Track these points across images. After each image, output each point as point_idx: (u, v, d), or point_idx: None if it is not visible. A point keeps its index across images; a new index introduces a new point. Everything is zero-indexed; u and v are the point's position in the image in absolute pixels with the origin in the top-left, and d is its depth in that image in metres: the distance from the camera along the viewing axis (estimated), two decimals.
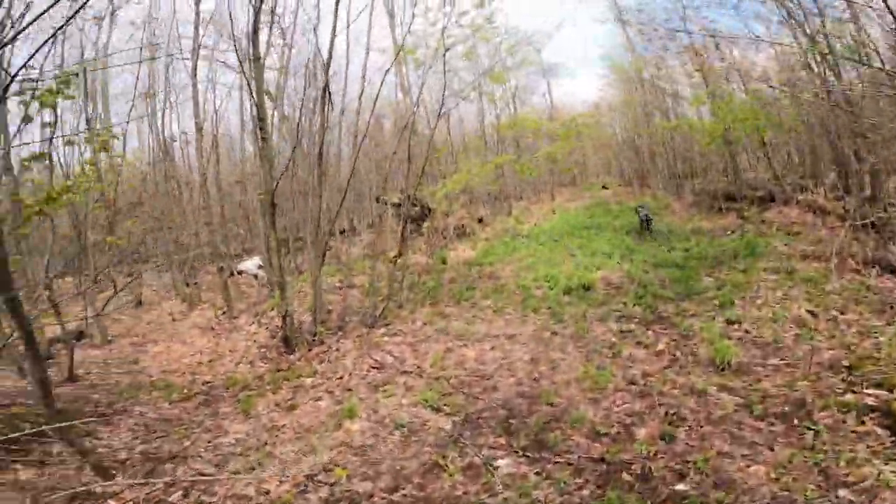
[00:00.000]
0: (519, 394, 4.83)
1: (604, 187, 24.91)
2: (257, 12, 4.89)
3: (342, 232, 19.64)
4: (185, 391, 5.62)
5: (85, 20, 8.61)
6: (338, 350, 6.30)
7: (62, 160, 9.92)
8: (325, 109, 5.80)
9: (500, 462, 3.61)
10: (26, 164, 4.56)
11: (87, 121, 10.31)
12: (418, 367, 5.66)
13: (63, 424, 3.10)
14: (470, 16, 7.55)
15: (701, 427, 3.70)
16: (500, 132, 14.93)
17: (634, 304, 6.76)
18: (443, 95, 7.35)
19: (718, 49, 11.76)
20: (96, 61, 8.74)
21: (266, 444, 4.11)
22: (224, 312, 8.63)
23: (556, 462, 3.54)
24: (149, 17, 10.33)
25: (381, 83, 6.83)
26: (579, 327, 6.24)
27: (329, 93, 7.57)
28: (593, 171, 32.47)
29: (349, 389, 5.18)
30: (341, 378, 5.48)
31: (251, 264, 11.42)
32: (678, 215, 13.48)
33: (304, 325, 7.22)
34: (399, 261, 8.16)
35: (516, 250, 11.04)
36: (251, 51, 5.23)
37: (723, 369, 4.59)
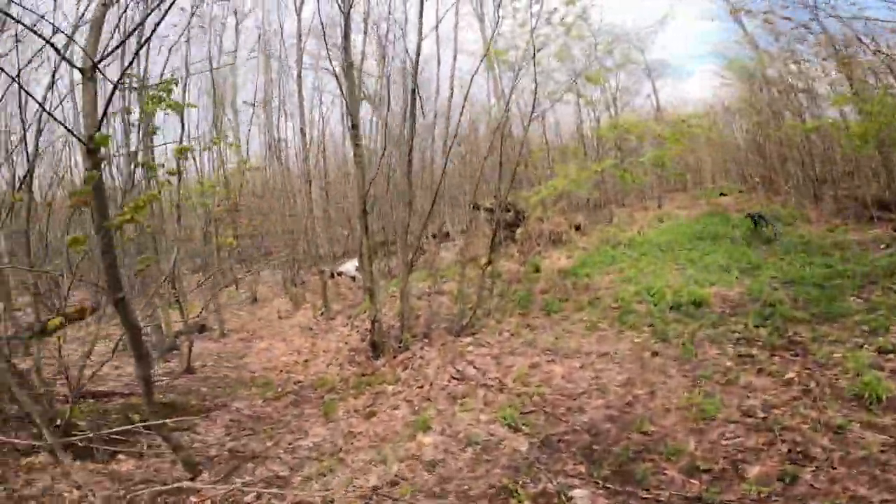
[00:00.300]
0: (607, 418, 4.39)
1: (721, 194, 22.56)
2: (346, 17, 5.05)
3: (434, 236, 20.01)
4: (279, 390, 5.94)
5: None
6: (422, 358, 6.28)
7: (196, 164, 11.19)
8: (414, 113, 5.83)
9: (576, 492, 3.26)
10: (151, 169, 5.13)
11: (215, 126, 11.61)
12: (500, 381, 5.42)
13: (159, 422, 3.33)
14: (560, 13, 7.17)
15: (833, 468, 3.05)
16: (600, 135, 14.13)
17: (757, 326, 5.87)
18: (534, 98, 7.05)
19: (865, 41, 9.94)
20: (217, 69, 9.73)
21: (340, 449, 4.15)
22: (322, 313, 9.09)
23: (643, 498, 3.12)
24: (262, 27, 11.32)
25: (469, 87, 6.73)
26: (686, 349, 5.57)
27: (420, 97, 7.65)
28: (708, 176, 29.62)
29: (428, 399, 5.10)
30: (421, 387, 5.42)
31: (350, 266, 11.97)
32: (816, 225, 11.65)
33: (391, 331, 7.33)
34: (489, 268, 7.98)
35: (616, 260, 10.30)
36: (343, 57, 5.42)
37: (870, 405, 3.75)
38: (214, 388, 6.18)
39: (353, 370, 6.28)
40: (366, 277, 6.28)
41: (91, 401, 5.23)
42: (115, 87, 2.39)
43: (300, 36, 8.63)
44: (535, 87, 7.10)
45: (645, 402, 4.60)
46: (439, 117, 9.77)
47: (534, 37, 6.69)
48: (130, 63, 3.53)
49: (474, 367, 5.93)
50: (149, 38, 2.54)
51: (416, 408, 4.93)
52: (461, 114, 7.16)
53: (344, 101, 10.93)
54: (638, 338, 6.19)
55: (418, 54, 5.85)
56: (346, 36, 5.34)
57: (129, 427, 3.21)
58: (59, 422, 3.96)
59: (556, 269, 10.74)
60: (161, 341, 8.37)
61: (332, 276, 11.88)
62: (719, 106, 22.38)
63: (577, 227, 14.41)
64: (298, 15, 7.80)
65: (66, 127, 2.73)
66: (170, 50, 7.20)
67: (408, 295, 6.72)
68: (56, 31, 4.21)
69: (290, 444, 4.37)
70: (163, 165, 5.12)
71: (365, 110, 12.66)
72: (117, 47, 2.40)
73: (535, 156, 13.13)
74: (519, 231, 15.09)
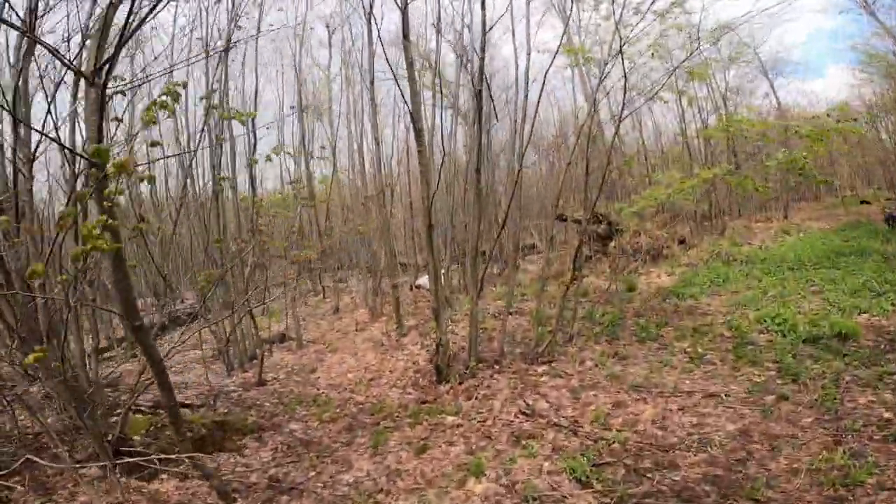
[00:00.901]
0: (708, 478, 3.54)
1: (863, 202, 19.16)
2: (404, 13, 4.73)
3: (521, 248, 19.19)
4: (338, 411, 5.72)
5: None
6: (488, 387, 5.71)
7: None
8: (480, 117, 5.36)
9: None
10: (221, 180, 5.17)
11: (303, 138, 12.10)
12: (575, 421, 4.69)
13: (189, 455, 3.15)
14: (648, 2, 6.29)
15: None
16: (707, 136, 12.51)
17: None
18: (624, 95, 6.22)
19: None
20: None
21: (381, 490, 3.74)
22: (396, 329, 8.87)
23: None
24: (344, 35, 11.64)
25: (542, 85, 6.09)
26: (826, 393, 4.47)
27: (492, 99, 7.15)
28: (846, 182, 25.50)
29: (488, 437, 4.52)
30: (483, 421, 4.86)
31: (428, 279, 11.73)
32: None
33: (461, 353, 6.84)
34: (574, 285, 7.20)
35: (729, 280, 8.90)
36: (403, 55, 5.12)
37: None
38: (277, 405, 6.13)
39: (415, 395, 5.88)
40: (432, 297, 5.87)
41: (149, 413, 5.36)
42: (102, 93, 2.21)
43: (370, 41, 8.59)
44: (625, 83, 6.27)
45: (763, 459, 3.69)
46: (523, 123, 9.19)
47: (620, 28, 5.91)
48: (106, 63, 3.45)
49: (547, 401, 5.24)
50: (129, 37, 2.33)
51: (473, 446, 4.38)
52: (535, 115, 6.53)
53: (435, 112, 10.92)
54: (759, 376, 5.13)
55: (483, 50, 5.37)
56: (406, 35, 5.04)
57: (165, 457, 3.05)
58: (110, 436, 3.99)
59: (654, 288, 9.58)
60: (243, 351, 8.69)
61: (411, 288, 11.72)
62: (858, 104, 19.47)
63: (681, 241, 12.89)
64: (368, 21, 7.73)
65: (64, 146, 2.66)
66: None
67: (476, 317, 6.18)
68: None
69: (331, 476, 4.06)
70: (225, 179, 5.18)
71: (446, 118, 12.47)
72: (115, 53, 2.22)
73: (630, 162, 11.97)
74: (612, 245, 13.94)
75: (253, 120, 7.39)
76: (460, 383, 5.86)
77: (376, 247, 13.09)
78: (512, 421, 4.81)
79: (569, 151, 13.19)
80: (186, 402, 6.06)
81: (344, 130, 16.82)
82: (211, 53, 6.90)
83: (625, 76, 6.21)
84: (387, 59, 6.15)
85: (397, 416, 5.28)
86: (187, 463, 3.44)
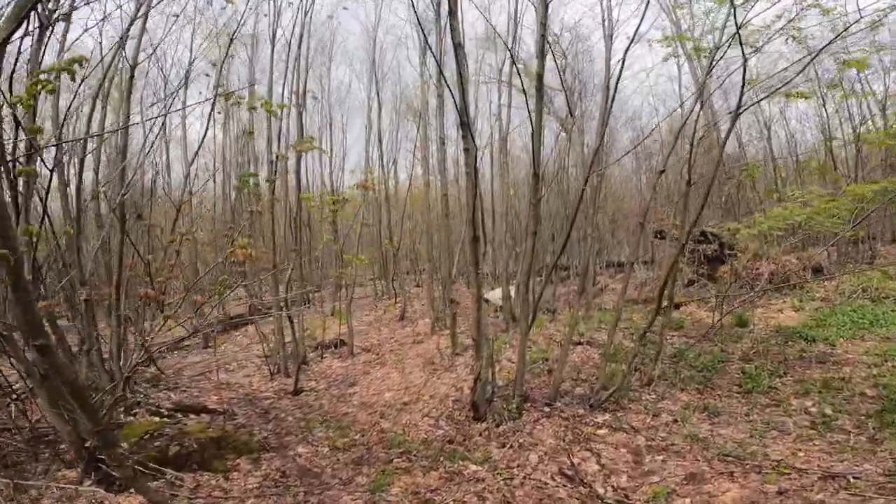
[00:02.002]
0: None
1: None
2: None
3: (615, 265, 17.50)
4: (356, 437, 5.20)
5: None
6: (530, 434, 4.83)
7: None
8: (540, 115, 4.53)
9: None
10: (245, 179, 4.91)
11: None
12: (626, 497, 3.68)
13: (139, 470, 2.76)
14: None
15: None
16: (866, 141, 10.20)
17: None
18: (742, 88, 4.98)
19: None
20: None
21: None
22: (451, 346, 8.22)
23: None
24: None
25: (621, 67, 5.03)
26: None
27: (567, 93, 6.24)
28: None
29: (509, 503, 3.68)
30: (510, 479, 4.02)
31: (496, 294, 10.89)
32: None
33: (512, 386, 6.01)
34: (661, 315, 6.03)
35: (879, 323, 7.06)
36: (451, 35, 4.46)
37: None
38: (300, 420, 5.76)
39: (445, 430, 5.16)
40: (473, 324, 5.13)
41: (166, 417, 5.21)
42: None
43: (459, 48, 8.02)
44: (744, 72, 5.00)
45: None
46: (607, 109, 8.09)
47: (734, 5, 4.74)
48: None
49: (598, 463, 4.26)
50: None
51: None
52: (608, 111, 5.49)
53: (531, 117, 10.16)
54: None
55: (544, 26, 4.53)
56: (452, 12, 4.38)
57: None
58: (88, 443, 3.79)
59: (773, 325, 7.94)
60: (294, 354, 8.57)
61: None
62: None
63: (816, 270, 10.76)
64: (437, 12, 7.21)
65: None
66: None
67: (524, 351, 5.32)
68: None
69: None
70: (251, 176, 4.90)
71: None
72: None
73: (753, 171, 10.20)
74: (721, 269, 12.10)
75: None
76: (498, 424, 5.04)
77: (439, 254, 12.60)
78: (546, 484, 3.92)
79: (664, 157, 11.69)
80: (209, 406, 5.93)
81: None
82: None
83: (744, 58, 4.94)
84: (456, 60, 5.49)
85: (415, 456, 4.61)
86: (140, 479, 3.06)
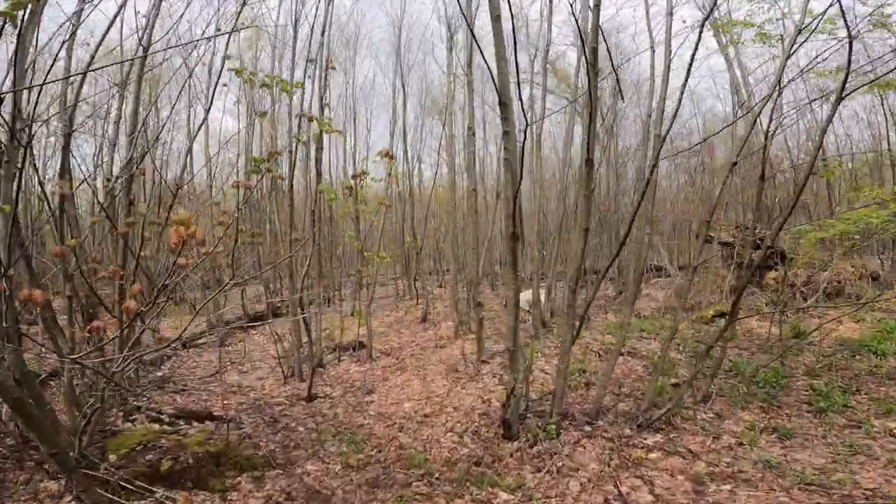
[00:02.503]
0: None
1: None
2: None
3: (650, 270, 16.65)
4: (372, 453, 4.69)
5: None
6: (569, 457, 4.24)
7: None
8: (594, 93, 3.92)
9: None
10: (257, 163, 4.45)
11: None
12: None
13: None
14: None
15: None
16: None
17: None
18: (846, 75, 4.27)
19: None
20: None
21: None
22: (477, 353, 7.66)
23: None
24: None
25: (668, 60, 4.38)
26: None
27: (618, 85, 5.66)
28: None
29: None
30: None
31: (528, 296, 10.27)
32: None
33: (544, 402, 5.43)
34: (716, 324, 5.38)
35: None
36: (489, 5, 3.90)
37: None
38: (311, 431, 5.29)
39: (471, 449, 4.61)
40: (508, 333, 4.56)
41: (166, 424, 4.80)
42: None
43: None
44: (849, 50, 4.29)
45: None
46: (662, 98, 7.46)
47: None
48: None
49: (651, 493, 3.66)
50: None
51: None
52: (662, 98, 4.87)
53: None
54: None
55: (598, 19, 3.95)
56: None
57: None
58: (72, 452, 3.38)
59: (834, 337, 7.19)
60: (310, 356, 8.13)
61: (506, 304, 10.41)
62: None
63: (875, 278, 9.90)
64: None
65: None
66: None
67: (567, 365, 4.72)
68: None
69: None
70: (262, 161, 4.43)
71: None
72: None
73: (832, 169, 9.37)
74: (770, 276, 11.28)
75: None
76: (532, 445, 4.47)
77: (465, 253, 12.05)
78: None
79: (735, 147, 10.93)
80: (215, 412, 5.51)
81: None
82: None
83: (849, 36, 4.22)
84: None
85: (437, 479, 4.08)
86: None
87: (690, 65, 4.55)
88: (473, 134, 7.83)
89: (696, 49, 4.37)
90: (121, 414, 4.90)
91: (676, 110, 5.20)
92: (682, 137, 16.88)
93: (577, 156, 12.97)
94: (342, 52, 17.82)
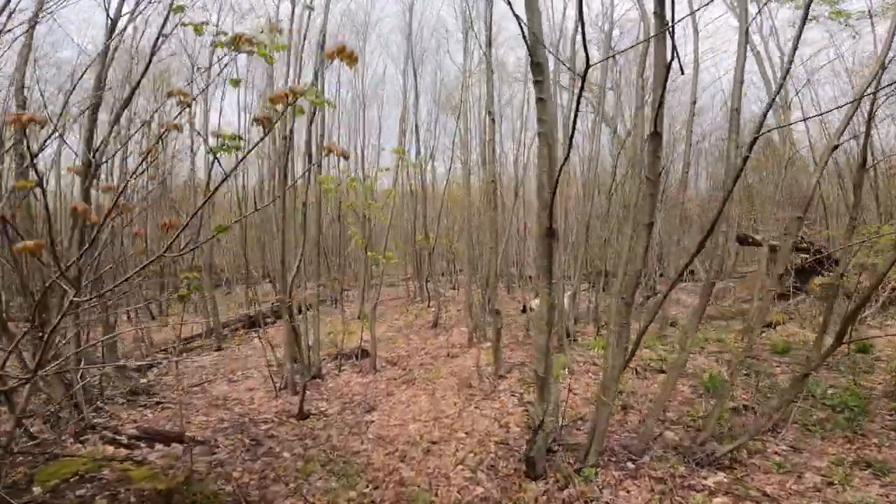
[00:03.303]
0: None
1: None
2: None
3: (693, 272, 15.64)
4: (366, 490, 3.89)
5: None
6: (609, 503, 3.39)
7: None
8: (667, 51, 3.08)
9: None
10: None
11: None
12: None
13: None
14: None
15: None
16: None
17: None
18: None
19: None
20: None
21: None
22: (493, 365, 6.83)
23: None
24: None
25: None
26: None
27: (676, 56, 4.77)
28: None
29: None
30: None
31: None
32: None
33: (574, 433, 4.59)
34: (763, 336, 4.48)
35: None
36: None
37: None
38: (297, 459, 4.50)
39: (486, 489, 3.79)
40: (537, 355, 3.67)
41: (123, 447, 4.05)
42: None
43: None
44: None
45: None
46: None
47: None
48: None
49: None
50: None
51: None
52: (741, 68, 3.98)
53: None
54: None
55: None
56: None
57: None
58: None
59: None
60: (307, 365, 7.38)
61: (524, 310, 9.56)
62: None
63: None
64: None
65: None
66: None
67: (612, 395, 3.83)
68: None
69: None
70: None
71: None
72: None
73: None
74: (816, 281, 10.28)
75: None
76: (563, 487, 3.63)
77: (479, 253, 11.22)
78: None
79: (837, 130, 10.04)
80: (187, 433, 4.76)
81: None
82: None
83: None
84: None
85: None
86: None
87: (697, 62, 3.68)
88: (493, 120, 7.00)
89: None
90: (70, 434, 4.18)
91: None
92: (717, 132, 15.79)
93: (604, 150, 12.15)
94: (352, 43, 17.14)
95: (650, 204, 3.10)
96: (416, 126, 13.45)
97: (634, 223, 4.73)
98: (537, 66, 3.34)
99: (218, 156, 3.34)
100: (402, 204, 19.09)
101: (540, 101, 3.37)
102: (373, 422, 5.50)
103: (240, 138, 3.49)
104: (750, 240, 11.14)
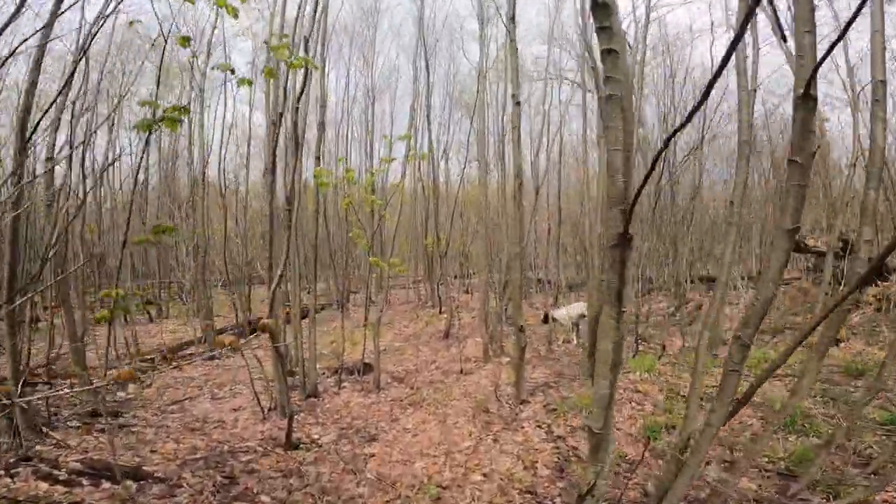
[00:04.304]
0: None
1: None
2: None
3: (701, 280, 14.64)
4: None
5: None
6: None
7: None
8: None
9: None
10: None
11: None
12: None
13: None
14: None
15: None
16: None
17: None
18: None
19: None
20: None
21: None
22: (514, 387, 5.98)
23: None
24: None
25: None
26: None
27: None
28: None
29: None
30: None
31: (575, 310, 8.54)
32: None
33: (617, 483, 3.74)
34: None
35: None
36: None
37: None
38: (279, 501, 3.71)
39: None
40: (598, 407, 2.49)
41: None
42: None
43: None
44: None
45: None
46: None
47: None
48: None
49: None
50: None
51: None
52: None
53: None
54: None
55: None
56: None
57: None
58: None
59: None
60: (303, 386, 6.60)
61: (545, 320, 8.69)
62: None
63: None
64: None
65: None
66: None
67: (701, 451, 2.82)
68: None
69: None
70: None
71: None
72: None
73: None
74: (871, 293, 9.37)
75: None
76: None
77: (497, 257, 10.37)
78: None
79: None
80: (143, 467, 3.98)
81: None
82: None
83: None
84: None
85: None
86: None
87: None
88: (518, 104, 6.15)
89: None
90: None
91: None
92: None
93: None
94: (362, 33, 16.48)
95: (797, 199, 2.10)
96: (429, 118, 12.65)
97: (762, 227, 3.87)
98: (603, 7, 2.46)
99: (155, 129, 2.56)
100: (413, 202, 18.30)
101: (608, 53, 2.46)
102: (373, 455, 4.69)
103: (185, 109, 2.72)
104: (805, 246, 10.19)
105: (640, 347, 7.65)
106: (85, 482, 3.58)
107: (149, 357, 9.08)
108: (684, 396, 5.08)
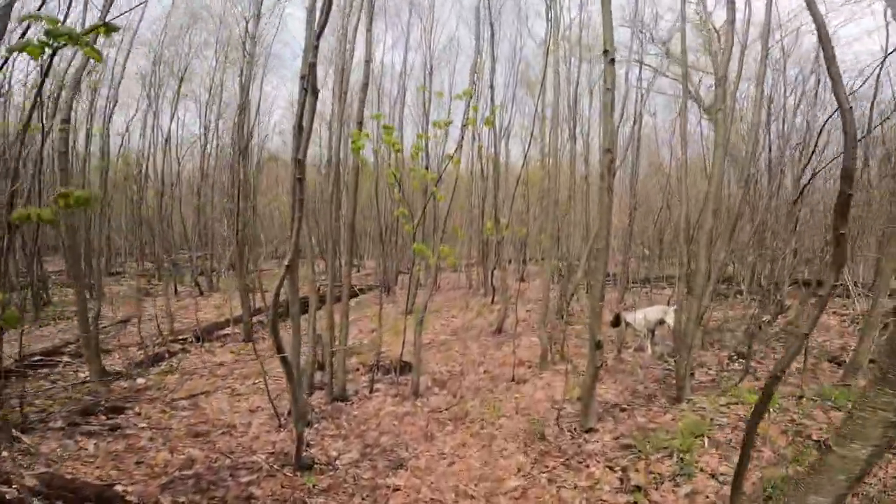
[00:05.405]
0: None
1: None
2: None
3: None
4: None
5: None
6: None
7: None
8: None
9: None
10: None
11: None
12: None
13: None
14: None
15: None
16: None
17: None
18: None
19: None
20: None
21: None
22: (580, 405, 4.94)
23: None
24: None
25: None
26: None
27: None
28: None
29: None
30: None
31: (651, 315, 7.31)
32: None
33: None
34: None
35: None
36: None
37: None
38: None
39: None
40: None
41: None
42: None
43: None
44: None
45: None
46: None
47: None
48: None
49: None
50: None
51: None
52: None
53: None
54: None
55: None
56: None
57: None
58: None
59: None
60: (328, 383, 5.85)
61: (615, 323, 7.50)
62: None
63: None
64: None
65: None
66: None
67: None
68: None
69: None
70: None
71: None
72: None
73: None
74: None
75: None
76: None
77: (566, 247, 9.18)
78: None
79: None
80: (119, 489, 3.30)
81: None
82: None
83: None
84: None
85: None
86: None
87: None
88: (613, 61, 4.86)
89: None
90: None
91: None
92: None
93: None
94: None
95: None
96: (492, 84, 11.51)
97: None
98: None
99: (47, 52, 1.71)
100: (470, 179, 17.22)
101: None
102: (397, 490, 3.83)
103: (110, 27, 1.87)
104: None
105: (732, 367, 6.36)
106: None
107: (181, 338, 8.70)
108: (816, 441, 3.84)
